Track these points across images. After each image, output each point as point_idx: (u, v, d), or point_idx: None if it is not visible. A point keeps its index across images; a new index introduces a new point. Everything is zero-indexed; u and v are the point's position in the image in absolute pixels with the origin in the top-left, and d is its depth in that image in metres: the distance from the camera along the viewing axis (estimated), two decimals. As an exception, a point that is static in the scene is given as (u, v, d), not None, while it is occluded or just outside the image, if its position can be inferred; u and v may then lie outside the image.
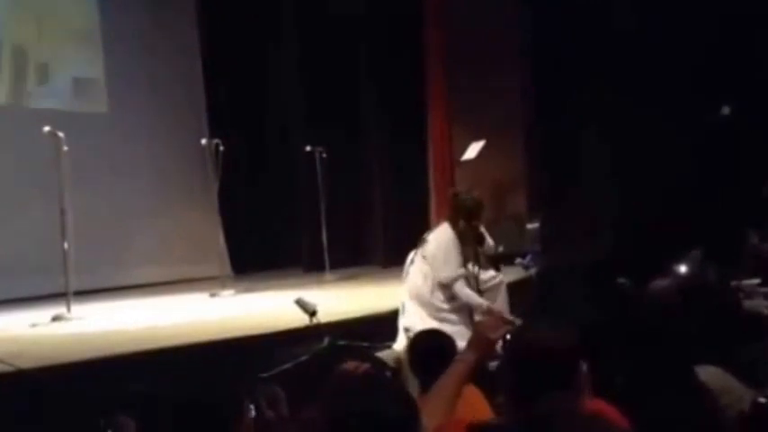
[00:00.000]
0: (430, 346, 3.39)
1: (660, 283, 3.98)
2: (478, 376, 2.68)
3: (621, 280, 5.19)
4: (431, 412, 2.17)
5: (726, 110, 8.39)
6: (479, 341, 2.34)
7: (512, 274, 7.56)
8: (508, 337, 2.41)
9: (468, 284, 5.28)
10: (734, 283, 5.05)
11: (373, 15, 9.03)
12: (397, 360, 4.38)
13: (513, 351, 2.22)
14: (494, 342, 2.35)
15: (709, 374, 2.65)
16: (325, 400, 2.44)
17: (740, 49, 8.10)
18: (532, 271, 7.69)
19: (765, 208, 6.94)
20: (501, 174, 9.04)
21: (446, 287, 5.27)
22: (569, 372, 2.15)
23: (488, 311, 5.11)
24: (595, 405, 2.20)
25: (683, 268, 4.46)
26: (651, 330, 2.63)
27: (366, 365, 2.57)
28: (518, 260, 8.04)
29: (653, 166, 8.35)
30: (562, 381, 2.12)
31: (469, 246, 5.33)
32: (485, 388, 2.92)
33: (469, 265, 5.31)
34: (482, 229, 5.46)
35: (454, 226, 5.33)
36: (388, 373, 2.38)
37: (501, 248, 8.81)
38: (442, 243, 5.30)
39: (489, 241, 5.53)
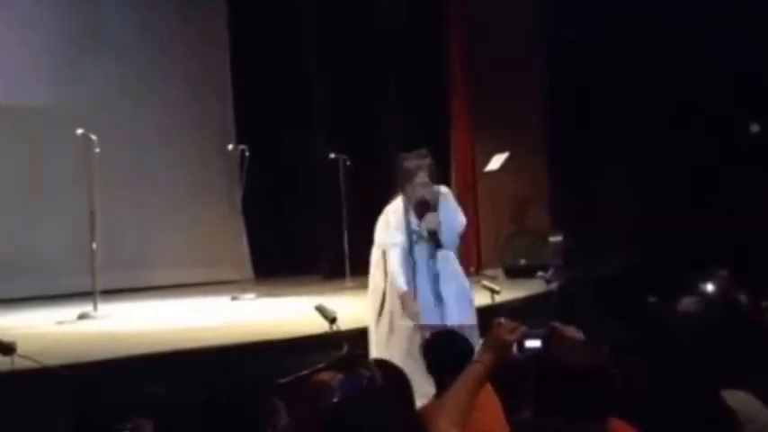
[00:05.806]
0: (447, 346, 3.34)
1: (686, 302, 3.88)
2: (499, 380, 2.65)
3: (652, 299, 5.03)
4: (447, 415, 2.15)
5: (755, 128, 8.32)
6: (495, 343, 2.27)
7: (533, 287, 7.55)
8: (526, 343, 2.37)
9: (412, 267, 4.47)
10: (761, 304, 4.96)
11: (399, 29, 9.11)
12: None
13: (542, 372, 2.19)
14: (510, 344, 2.27)
15: (736, 399, 2.54)
16: (306, 411, 2.44)
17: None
18: (554, 285, 7.66)
19: None
20: (524, 187, 9.03)
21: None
22: (599, 396, 2.12)
23: (403, 299, 4.38)
24: (618, 427, 2.16)
25: (709, 287, 4.34)
26: (677, 352, 2.55)
27: (340, 376, 2.50)
28: (540, 273, 8.00)
29: (677, 182, 8.32)
30: (591, 405, 2.10)
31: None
32: (503, 391, 2.90)
33: (423, 241, 4.54)
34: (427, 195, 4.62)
35: (403, 192, 4.66)
36: (364, 382, 2.31)
37: (523, 261, 8.85)
38: (394, 205, 4.67)
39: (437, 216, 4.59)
